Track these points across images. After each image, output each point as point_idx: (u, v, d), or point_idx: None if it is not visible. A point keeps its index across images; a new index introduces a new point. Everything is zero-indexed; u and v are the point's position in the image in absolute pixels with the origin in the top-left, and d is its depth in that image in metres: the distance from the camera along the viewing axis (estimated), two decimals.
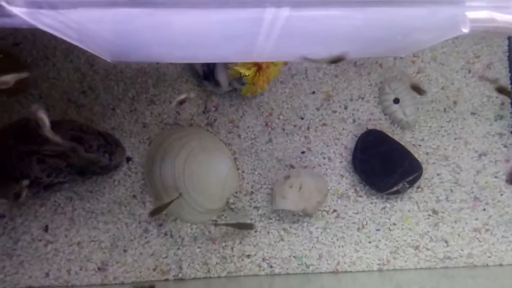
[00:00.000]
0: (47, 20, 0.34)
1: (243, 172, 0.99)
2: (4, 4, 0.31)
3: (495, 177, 1.00)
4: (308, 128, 1.01)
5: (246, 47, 0.54)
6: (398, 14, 0.40)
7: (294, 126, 1.01)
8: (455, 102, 1.03)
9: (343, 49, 0.47)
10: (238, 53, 0.63)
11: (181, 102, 0.76)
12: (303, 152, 1.01)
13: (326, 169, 1.00)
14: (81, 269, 0.94)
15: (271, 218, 0.98)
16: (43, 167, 0.84)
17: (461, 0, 0.38)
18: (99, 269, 0.94)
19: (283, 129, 1.01)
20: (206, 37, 0.45)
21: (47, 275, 0.93)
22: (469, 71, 1.04)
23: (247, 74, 0.80)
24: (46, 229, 0.94)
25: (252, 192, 0.99)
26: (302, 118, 1.02)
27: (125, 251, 0.95)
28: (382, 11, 0.38)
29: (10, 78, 0.53)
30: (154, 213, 0.92)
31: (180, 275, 0.95)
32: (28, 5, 0.32)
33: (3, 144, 0.82)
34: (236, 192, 0.98)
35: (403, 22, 0.45)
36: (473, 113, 1.03)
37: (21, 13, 0.32)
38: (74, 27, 0.38)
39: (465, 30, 0.42)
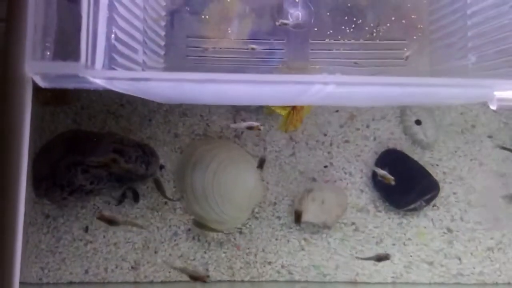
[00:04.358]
0: (121, 86, 0.41)
1: (267, 183, 1.06)
2: (89, 78, 0.37)
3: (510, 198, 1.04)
4: (330, 144, 1.07)
5: (289, 100, 0.59)
6: (434, 91, 0.45)
7: (317, 141, 1.07)
8: (473, 126, 1.07)
9: (378, 103, 0.51)
10: (281, 102, 0.69)
11: (250, 128, 0.78)
12: (325, 167, 1.06)
13: (347, 183, 1.06)
14: (116, 267, 1.02)
15: (291, 228, 1.04)
16: (87, 176, 0.92)
17: (490, 85, 0.43)
18: (132, 268, 1.02)
19: (307, 144, 1.07)
20: (257, 96, 0.50)
21: (86, 272, 1.01)
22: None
23: (282, 114, 0.86)
24: (86, 229, 1.02)
25: (275, 203, 1.05)
26: (325, 135, 1.07)
27: (155, 252, 1.03)
28: (418, 89, 0.43)
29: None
30: None
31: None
32: (110, 79, 0.38)
33: (53, 154, 0.90)
34: (261, 202, 1.05)
35: (438, 95, 0.50)
36: (489, 137, 1.07)
37: (102, 83, 0.39)
38: (142, 89, 0.44)
39: (493, 107, 0.47)
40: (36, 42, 0.38)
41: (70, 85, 0.40)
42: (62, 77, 0.38)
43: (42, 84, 0.40)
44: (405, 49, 0.57)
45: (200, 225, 1.00)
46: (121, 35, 0.45)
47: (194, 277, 0.87)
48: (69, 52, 0.39)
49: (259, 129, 0.77)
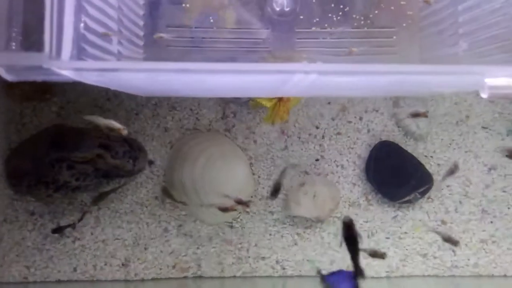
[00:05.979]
0: (91, 77, 0.39)
1: (258, 177, 1.03)
2: (55, 69, 0.35)
3: (504, 191, 1.03)
4: (323, 137, 1.05)
5: (272, 91, 0.57)
6: (421, 79, 0.43)
7: (309, 134, 1.05)
8: (467, 116, 1.05)
9: (366, 93, 0.49)
10: (263, 93, 0.66)
11: (415, 115, 0.79)
12: (317, 160, 1.04)
13: (339, 176, 1.04)
14: (105, 265, 1.00)
15: (285, 223, 1.02)
16: (73, 172, 0.89)
17: (480, 72, 0.41)
18: (123, 265, 1.00)
19: (299, 137, 1.05)
20: (238, 86, 0.48)
21: (74, 269, 0.99)
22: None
23: (268, 106, 0.83)
24: (73, 226, 1.00)
25: (267, 197, 1.03)
26: (317, 127, 1.05)
27: (145, 249, 1.01)
28: (405, 78, 0.41)
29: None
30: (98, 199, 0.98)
31: (198, 273, 1.00)
32: (76, 70, 0.36)
33: (36, 150, 0.87)
34: (252, 197, 1.03)
35: (426, 83, 0.48)
36: (484, 127, 1.05)
37: (69, 74, 0.36)
38: (115, 80, 0.42)
39: (484, 95, 0.45)
40: None
41: (37, 77, 0.38)
42: (27, 69, 0.36)
43: (7, 77, 0.38)
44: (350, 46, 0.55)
45: (168, 193, 0.99)
46: (91, 24, 0.43)
47: (224, 209, 0.88)
48: (35, 43, 0.36)
49: (426, 116, 0.79)
